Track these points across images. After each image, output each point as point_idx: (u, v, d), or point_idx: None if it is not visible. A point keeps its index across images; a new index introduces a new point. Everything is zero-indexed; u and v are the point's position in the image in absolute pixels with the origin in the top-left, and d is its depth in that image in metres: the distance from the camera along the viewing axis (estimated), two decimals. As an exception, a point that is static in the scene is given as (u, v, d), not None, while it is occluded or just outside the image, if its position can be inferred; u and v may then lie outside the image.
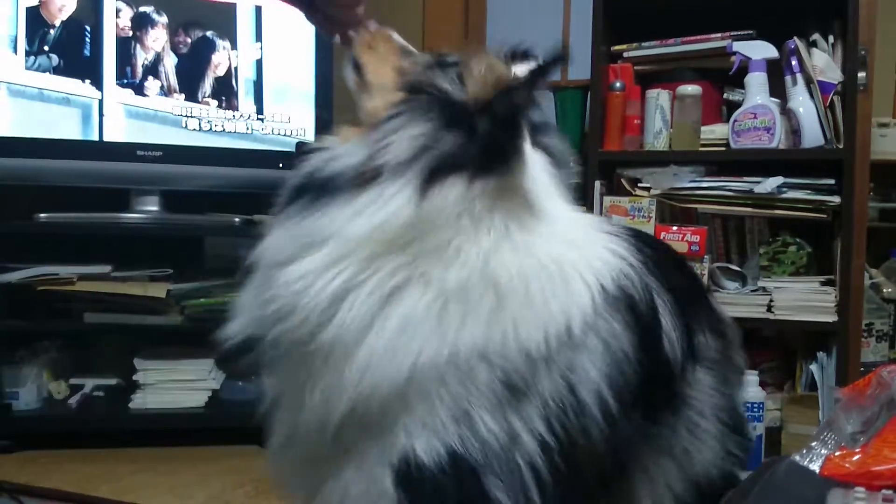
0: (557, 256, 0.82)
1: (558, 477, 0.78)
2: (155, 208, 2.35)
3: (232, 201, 2.42)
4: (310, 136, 2.48)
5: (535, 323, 0.77)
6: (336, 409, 0.77)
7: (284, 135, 2.45)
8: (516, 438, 0.76)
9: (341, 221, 0.76)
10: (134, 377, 2.30)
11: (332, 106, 2.54)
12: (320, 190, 0.78)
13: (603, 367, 0.82)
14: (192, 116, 2.37)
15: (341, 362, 0.76)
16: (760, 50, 2.13)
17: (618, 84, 2.25)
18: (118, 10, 2.28)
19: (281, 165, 2.32)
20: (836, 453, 0.89)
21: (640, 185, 2.22)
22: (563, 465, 0.79)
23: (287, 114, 2.46)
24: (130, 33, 2.30)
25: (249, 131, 2.42)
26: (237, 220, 2.38)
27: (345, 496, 0.79)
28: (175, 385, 2.31)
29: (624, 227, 0.99)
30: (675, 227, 2.14)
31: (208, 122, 2.39)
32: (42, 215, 2.22)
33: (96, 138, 2.27)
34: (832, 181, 2.05)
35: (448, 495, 0.74)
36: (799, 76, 2.08)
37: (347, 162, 0.79)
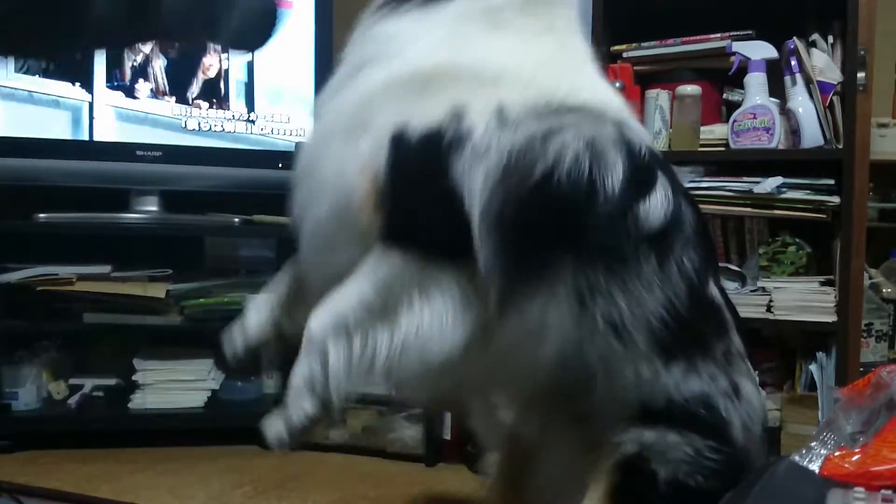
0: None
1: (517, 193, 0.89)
2: (154, 208, 2.36)
3: (231, 201, 2.42)
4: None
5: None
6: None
7: (283, 134, 2.45)
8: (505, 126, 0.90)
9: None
10: (133, 377, 2.30)
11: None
12: None
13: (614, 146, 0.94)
14: (191, 116, 2.37)
15: None
16: (760, 50, 2.13)
17: (617, 84, 2.24)
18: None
19: (280, 165, 2.33)
20: (836, 453, 0.89)
21: (639, 185, 2.22)
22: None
23: (286, 114, 2.46)
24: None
25: (249, 132, 2.42)
26: (237, 220, 2.38)
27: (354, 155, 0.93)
28: (174, 385, 2.31)
29: None
30: (674, 228, 2.13)
31: (207, 122, 2.39)
32: (41, 215, 2.22)
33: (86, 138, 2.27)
34: (832, 181, 2.05)
35: (424, 154, 0.90)
36: (798, 76, 2.08)
37: None
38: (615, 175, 0.91)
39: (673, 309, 0.95)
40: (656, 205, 0.94)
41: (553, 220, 0.91)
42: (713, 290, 1.04)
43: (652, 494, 0.96)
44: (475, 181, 0.88)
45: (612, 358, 0.95)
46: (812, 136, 2.05)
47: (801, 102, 2.06)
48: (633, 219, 0.93)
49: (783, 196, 2.07)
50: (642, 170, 0.95)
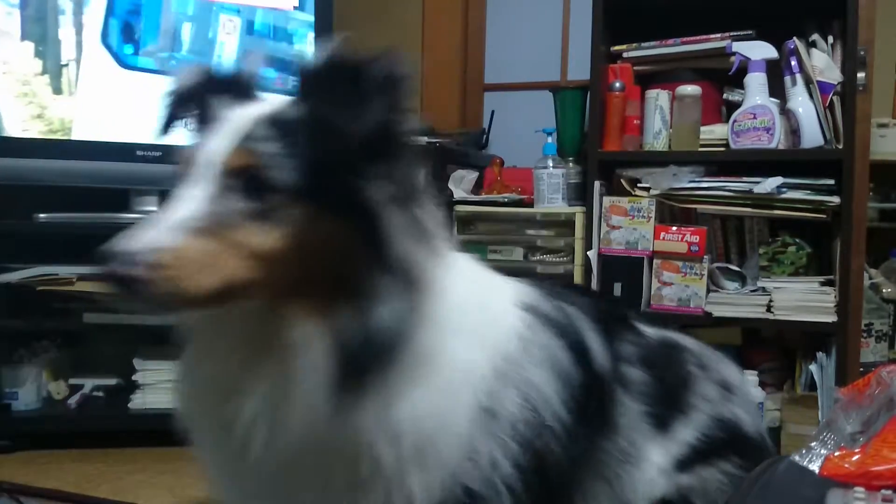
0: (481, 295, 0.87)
1: (531, 495, 0.83)
2: (154, 208, 2.36)
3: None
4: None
5: (485, 347, 0.82)
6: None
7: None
8: (496, 463, 0.81)
9: None
10: (133, 377, 2.30)
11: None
12: None
13: (550, 378, 0.85)
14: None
15: None
16: (760, 50, 2.13)
17: (617, 84, 2.25)
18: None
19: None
20: (836, 453, 0.89)
21: (639, 185, 2.22)
22: (534, 482, 0.83)
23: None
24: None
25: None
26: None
27: None
28: (175, 385, 2.31)
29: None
30: (674, 228, 2.14)
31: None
32: (42, 215, 2.22)
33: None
34: (832, 181, 2.05)
35: None
36: (798, 76, 2.08)
37: None
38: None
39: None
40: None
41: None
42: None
43: None
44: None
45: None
46: (812, 136, 2.05)
47: (801, 102, 2.07)
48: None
49: (783, 196, 2.07)
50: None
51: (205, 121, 0.80)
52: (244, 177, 0.72)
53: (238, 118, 0.76)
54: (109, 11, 2.25)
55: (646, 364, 0.99)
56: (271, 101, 0.81)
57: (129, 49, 2.28)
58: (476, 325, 0.82)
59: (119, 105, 2.31)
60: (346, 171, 0.73)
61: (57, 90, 2.24)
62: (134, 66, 2.29)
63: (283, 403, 0.75)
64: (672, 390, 1.00)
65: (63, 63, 2.23)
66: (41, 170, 2.22)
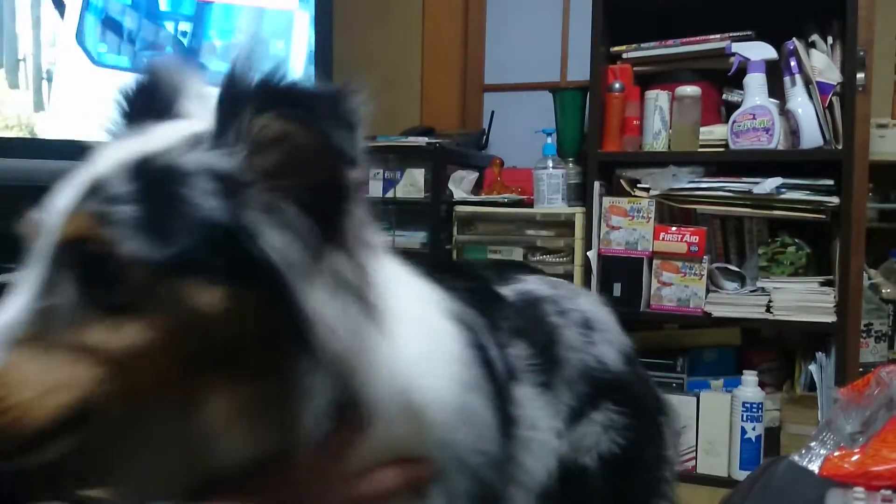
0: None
1: None
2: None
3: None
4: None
5: (439, 400, 0.70)
6: None
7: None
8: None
9: None
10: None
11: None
12: None
13: (480, 399, 0.75)
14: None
15: None
16: (759, 51, 2.13)
17: (617, 85, 2.25)
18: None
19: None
20: (836, 453, 0.88)
21: (639, 185, 2.23)
22: None
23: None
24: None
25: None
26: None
27: None
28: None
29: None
30: (674, 228, 2.14)
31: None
32: (43, 216, 2.22)
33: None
34: (831, 182, 2.06)
35: None
36: (798, 77, 2.08)
37: None
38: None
39: None
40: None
41: None
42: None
43: (590, 485, 0.92)
44: None
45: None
46: (811, 136, 2.05)
47: (801, 103, 2.07)
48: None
49: (782, 196, 2.08)
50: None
51: None
52: (84, 253, 0.52)
53: (103, 159, 0.57)
54: (84, 11, 2.24)
55: (520, 335, 0.90)
56: (164, 132, 0.60)
57: (102, 47, 2.27)
58: (426, 380, 0.69)
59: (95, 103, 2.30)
60: (243, 229, 0.53)
61: (14, 85, 2.22)
62: (107, 65, 2.29)
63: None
64: (544, 351, 0.92)
65: (20, 58, 2.20)
66: (42, 170, 2.23)
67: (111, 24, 2.29)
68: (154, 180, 0.54)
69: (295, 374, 0.55)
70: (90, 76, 2.26)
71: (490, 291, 0.93)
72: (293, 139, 0.54)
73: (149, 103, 0.65)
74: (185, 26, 2.37)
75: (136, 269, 0.51)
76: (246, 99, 0.55)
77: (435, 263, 0.86)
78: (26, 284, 0.53)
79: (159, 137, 0.58)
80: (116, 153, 0.57)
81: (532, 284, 1.00)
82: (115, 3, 2.27)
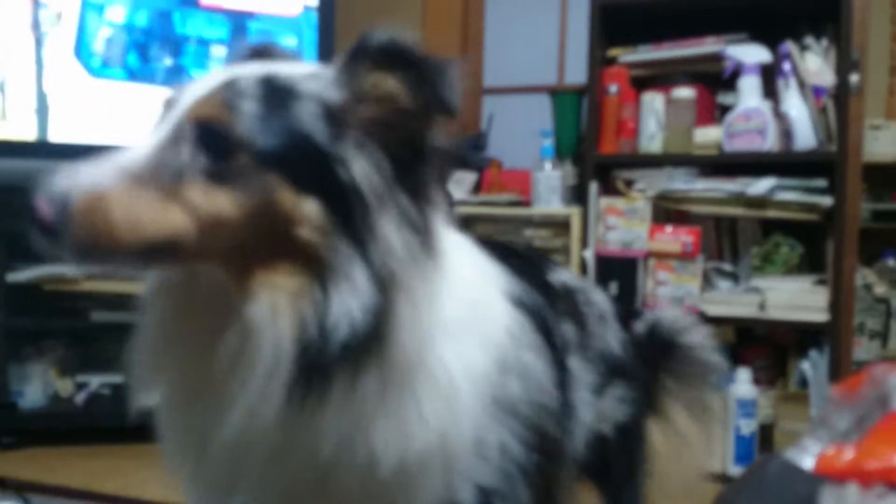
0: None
1: (540, 474, 0.83)
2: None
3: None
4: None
5: (484, 345, 0.76)
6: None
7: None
8: (507, 448, 0.77)
9: None
10: (139, 375, 2.32)
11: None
12: None
13: (538, 361, 0.83)
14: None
15: None
16: (753, 54, 2.15)
17: (613, 88, 2.28)
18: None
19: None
20: (829, 451, 0.89)
21: (634, 186, 2.25)
22: (540, 461, 0.82)
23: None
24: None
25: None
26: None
27: None
28: (179, 383, 2.33)
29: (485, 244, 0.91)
30: (669, 228, 2.17)
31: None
32: (49, 216, 2.24)
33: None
34: (824, 183, 2.08)
35: None
36: (792, 79, 2.10)
37: None
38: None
39: None
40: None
41: None
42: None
43: (609, 450, 1.07)
44: None
45: None
46: (805, 138, 2.08)
47: (795, 105, 2.09)
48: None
49: (776, 197, 2.10)
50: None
51: None
52: (205, 130, 0.63)
53: (233, 71, 0.68)
54: (81, 27, 2.29)
55: (567, 316, 1.02)
56: (291, 67, 0.72)
57: (97, 61, 2.31)
58: (473, 325, 0.75)
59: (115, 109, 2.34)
60: (335, 152, 0.65)
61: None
62: (102, 76, 2.33)
63: (236, 397, 0.65)
64: (581, 333, 1.04)
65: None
66: (46, 171, 2.25)
67: (110, 38, 2.33)
68: (275, 91, 0.66)
69: (345, 275, 0.64)
70: (87, 87, 2.31)
71: (542, 276, 1.05)
72: (396, 100, 0.66)
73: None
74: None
75: (242, 153, 0.63)
76: (367, 54, 0.67)
77: (496, 245, 0.93)
78: (151, 140, 0.64)
79: (285, 68, 0.71)
80: (248, 69, 0.69)
81: (566, 276, 1.12)
82: (113, 20, 2.32)
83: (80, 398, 2.33)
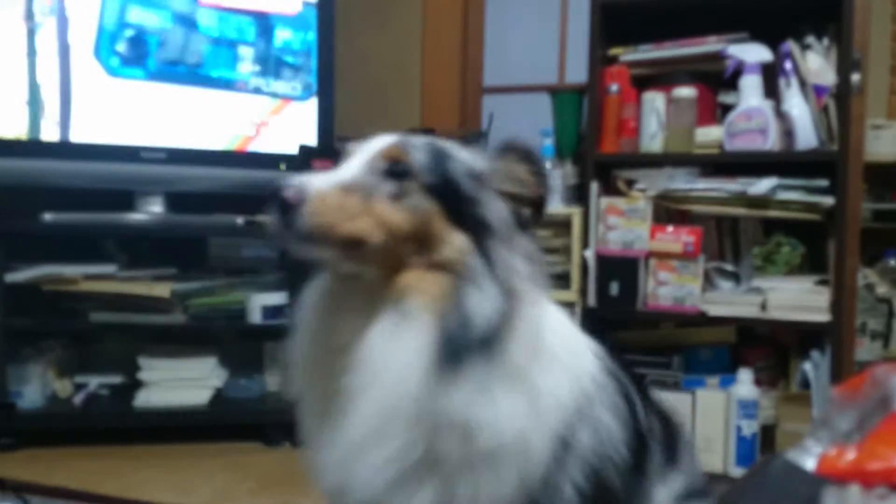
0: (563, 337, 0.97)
1: None
2: (159, 209, 2.38)
3: (235, 202, 2.45)
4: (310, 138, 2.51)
5: (569, 382, 0.92)
6: None
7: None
8: (561, 489, 0.90)
9: None
10: (138, 375, 2.33)
11: (332, 109, 2.57)
12: None
13: (614, 420, 0.95)
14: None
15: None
16: (754, 53, 2.15)
17: (614, 87, 2.27)
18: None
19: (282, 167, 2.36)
20: (831, 451, 0.90)
21: (635, 186, 2.25)
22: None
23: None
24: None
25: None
26: (240, 220, 2.41)
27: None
28: (179, 383, 2.34)
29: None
30: (670, 228, 2.16)
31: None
32: (48, 215, 2.25)
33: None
34: (826, 182, 2.08)
35: None
36: (793, 79, 2.10)
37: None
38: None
39: None
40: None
41: None
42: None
43: None
44: None
45: None
46: (806, 137, 2.07)
47: (796, 104, 2.09)
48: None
49: (777, 197, 2.10)
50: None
51: None
52: (392, 164, 0.88)
53: (405, 136, 0.95)
54: (100, 29, 2.29)
55: (657, 416, 1.09)
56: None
57: (115, 61, 2.31)
58: (562, 361, 0.92)
59: (115, 110, 2.34)
60: (483, 205, 0.91)
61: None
62: (121, 76, 2.33)
63: (385, 367, 0.85)
64: (670, 439, 1.10)
65: None
66: (48, 171, 2.25)
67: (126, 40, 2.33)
68: (436, 150, 0.92)
69: (478, 285, 0.87)
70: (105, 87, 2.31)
71: (628, 367, 1.12)
72: (521, 178, 0.93)
73: None
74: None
75: (414, 183, 0.88)
76: (513, 149, 0.95)
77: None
78: (353, 167, 0.89)
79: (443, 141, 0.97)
80: (416, 136, 0.95)
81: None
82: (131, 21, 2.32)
83: (78, 399, 2.33)
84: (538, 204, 0.93)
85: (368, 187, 0.87)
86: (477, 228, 0.89)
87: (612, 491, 0.94)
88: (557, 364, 0.91)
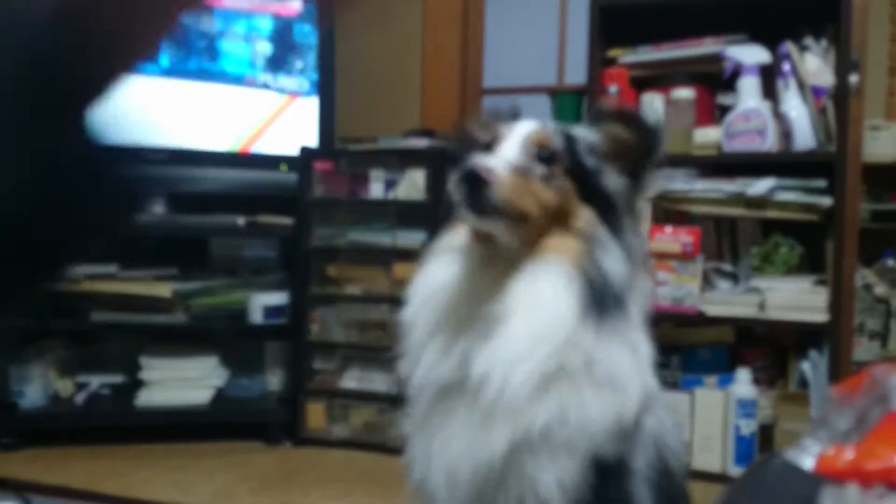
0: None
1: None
2: (160, 209, 2.39)
3: (236, 202, 2.46)
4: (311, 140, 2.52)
5: (643, 375, 1.01)
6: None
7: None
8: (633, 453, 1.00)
9: None
10: (139, 375, 2.33)
11: (333, 110, 2.58)
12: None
13: (669, 422, 1.07)
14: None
15: None
16: (753, 54, 2.16)
17: (613, 88, 2.28)
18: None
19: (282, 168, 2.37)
20: (829, 451, 0.90)
21: (635, 186, 2.25)
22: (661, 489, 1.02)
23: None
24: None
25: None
26: (241, 220, 2.41)
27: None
28: (180, 382, 2.34)
29: None
30: (668, 228, 2.17)
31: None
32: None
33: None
34: (824, 183, 2.09)
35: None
36: (791, 80, 2.11)
37: None
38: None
39: None
40: None
41: None
42: None
43: None
44: None
45: None
46: (804, 138, 2.08)
47: (794, 106, 2.10)
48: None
49: (776, 198, 2.10)
50: None
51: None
52: (542, 149, 0.99)
53: (538, 122, 1.06)
54: None
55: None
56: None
57: None
58: (640, 355, 1.02)
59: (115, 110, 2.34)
60: (604, 179, 1.01)
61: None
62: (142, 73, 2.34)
63: (539, 298, 0.96)
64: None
65: None
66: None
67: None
68: (566, 134, 1.02)
69: (606, 248, 0.98)
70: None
71: None
72: (626, 142, 1.02)
73: None
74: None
75: (558, 166, 0.99)
76: (604, 115, 1.06)
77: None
78: (508, 151, 0.99)
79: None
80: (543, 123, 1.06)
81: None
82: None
83: (80, 398, 2.34)
84: (649, 159, 1.02)
85: (527, 169, 0.97)
86: (601, 202, 1.00)
87: (668, 465, 1.03)
88: (639, 356, 1.01)
